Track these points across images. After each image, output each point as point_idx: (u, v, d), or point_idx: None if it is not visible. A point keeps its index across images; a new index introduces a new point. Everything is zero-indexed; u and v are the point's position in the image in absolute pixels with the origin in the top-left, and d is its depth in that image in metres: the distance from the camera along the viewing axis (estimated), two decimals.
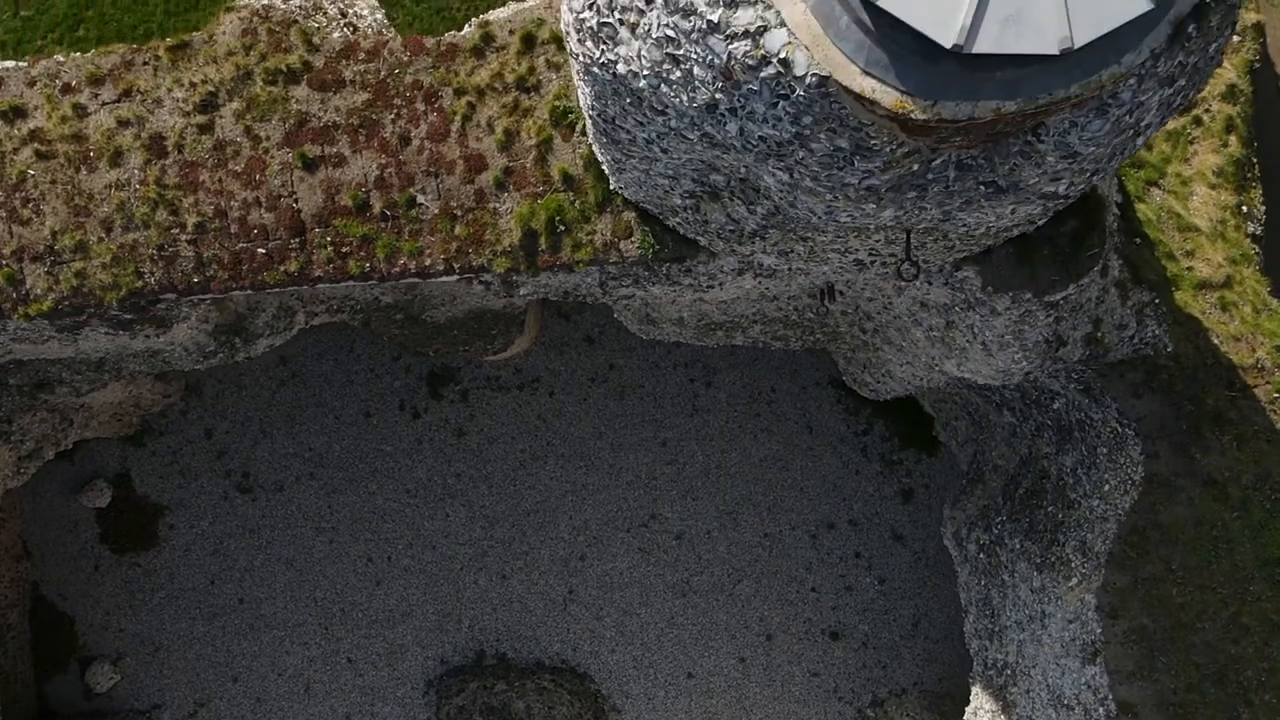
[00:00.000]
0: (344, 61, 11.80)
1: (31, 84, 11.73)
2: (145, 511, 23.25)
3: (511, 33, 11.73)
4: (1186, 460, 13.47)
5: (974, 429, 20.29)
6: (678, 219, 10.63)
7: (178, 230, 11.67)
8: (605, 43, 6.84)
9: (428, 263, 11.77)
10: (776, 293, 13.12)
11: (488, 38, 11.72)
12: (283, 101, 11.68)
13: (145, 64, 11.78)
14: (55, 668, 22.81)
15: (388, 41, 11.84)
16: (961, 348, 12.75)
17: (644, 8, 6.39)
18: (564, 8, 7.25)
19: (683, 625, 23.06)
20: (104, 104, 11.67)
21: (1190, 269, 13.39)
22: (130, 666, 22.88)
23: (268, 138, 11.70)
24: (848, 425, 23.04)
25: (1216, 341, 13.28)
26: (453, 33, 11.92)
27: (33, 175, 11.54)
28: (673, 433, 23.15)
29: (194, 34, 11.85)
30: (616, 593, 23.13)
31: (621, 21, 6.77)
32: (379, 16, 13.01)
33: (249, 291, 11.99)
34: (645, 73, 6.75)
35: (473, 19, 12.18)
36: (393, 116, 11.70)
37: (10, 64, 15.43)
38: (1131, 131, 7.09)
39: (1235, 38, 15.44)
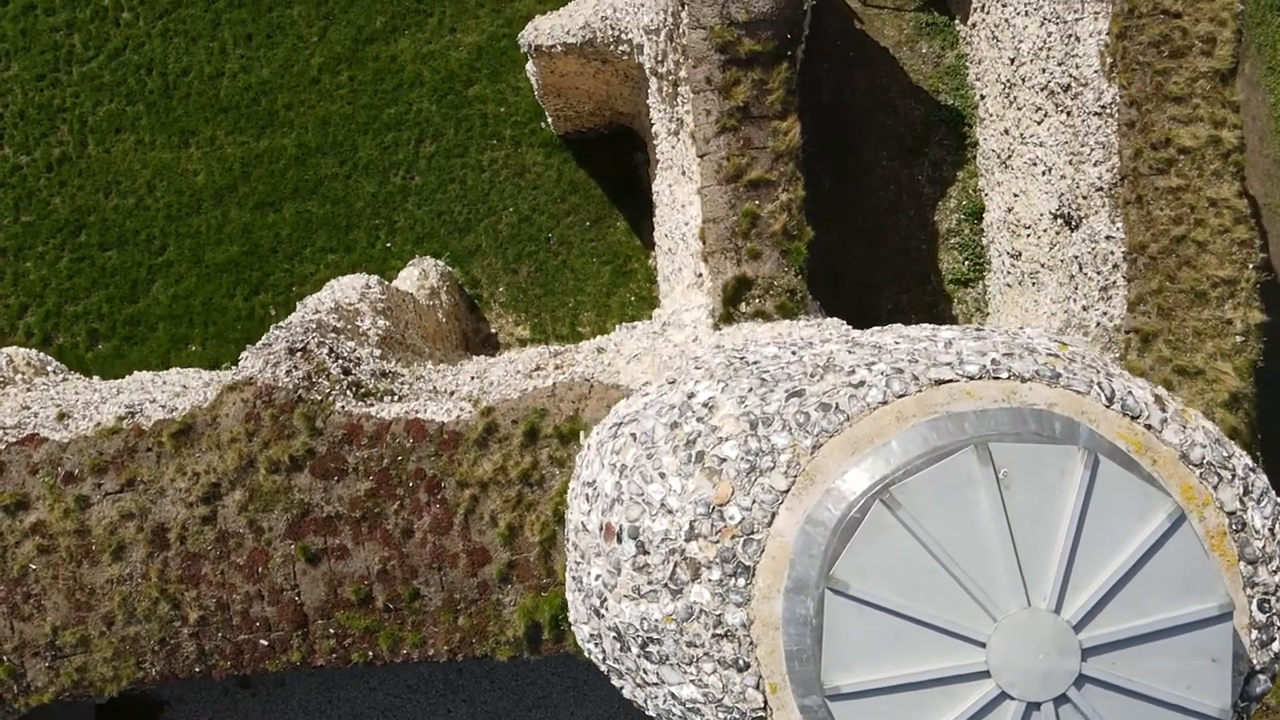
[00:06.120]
0: (347, 446, 11.77)
1: (34, 472, 11.70)
2: (145, 708, 23.22)
3: (515, 423, 11.71)
4: None
5: None
6: None
7: (179, 623, 11.63)
8: (602, 659, 6.93)
9: (431, 652, 11.73)
10: None
11: (491, 428, 11.69)
12: (285, 491, 11.65)
13: (148, 450, 11.74)
14: None
15: (390, 425, 11.81)
16: None
17: (642, 681, 6.41)
18: (570, 597, 7.25)
19: None
20: (106, 494, 11.63)
21: None
22: None
23: (270, 528, 11.66)
24: None
25: None
26: (455, 415, 11.89)
27: (34, 570, 11.50)
28: None
29: (197, 416, 11.81)
30: None
31: (615, 667, 6.83)
32: (376, 364, 12.97)
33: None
34: (635, 699, 6.82)
35: (474, 401, 12.13)
36: (395, 507, 11.67)
37: (11, 350, 15.40)
38: None
39: (1238, 338, 15.35)
